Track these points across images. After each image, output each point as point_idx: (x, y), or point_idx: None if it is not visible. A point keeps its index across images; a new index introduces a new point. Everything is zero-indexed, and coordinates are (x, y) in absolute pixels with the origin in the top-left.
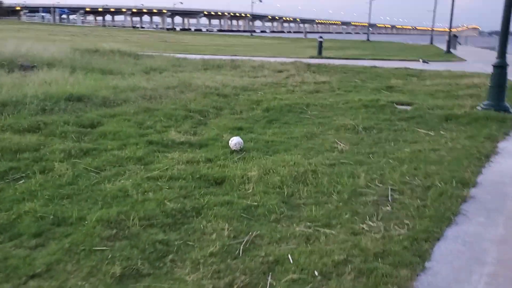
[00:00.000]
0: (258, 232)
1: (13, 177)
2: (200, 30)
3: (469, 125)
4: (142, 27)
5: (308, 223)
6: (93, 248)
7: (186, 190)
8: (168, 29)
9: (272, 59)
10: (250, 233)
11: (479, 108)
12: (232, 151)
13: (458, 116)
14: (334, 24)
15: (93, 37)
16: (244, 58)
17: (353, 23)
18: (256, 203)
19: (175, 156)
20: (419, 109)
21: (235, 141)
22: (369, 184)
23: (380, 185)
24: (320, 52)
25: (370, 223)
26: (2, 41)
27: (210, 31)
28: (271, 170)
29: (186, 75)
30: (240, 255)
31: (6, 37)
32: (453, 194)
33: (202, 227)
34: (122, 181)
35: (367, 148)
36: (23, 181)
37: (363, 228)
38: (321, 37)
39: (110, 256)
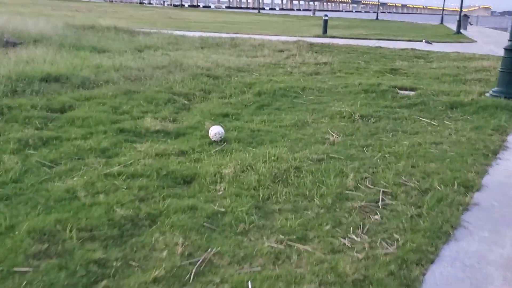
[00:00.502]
0: (219, 248)
1: None
2: (209, 6)
3: (476, 114)
4: (150, 3)
5: (281, 236)
6: (13, 269)
7: (146, 191)
8: (175, 5)
9: (274, 38)
10: (209, 249)
11: (487, 95)
12: (211, 142)
13: (465, 103)
14: (344, 2)
15: (97, 12)
16: (245, 36)
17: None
18: (224, 209)
19: (144, 147)
20: (423, 95)
21: (214, 131)
22: (359, 185)
23: (371, 186)
24: (325, 31)
25: (354, 237)
26: None
27: (218, 8)
28: (249, 167)
29: (179, 53)
30: (191, 281)
31: (6, 11)
32: (454, 201)
33: (152, 241)
34: (75, 178)
35: (361, 140)
36: None
37: (344, 244)
38: (326, 15)
39: (29, 281)
